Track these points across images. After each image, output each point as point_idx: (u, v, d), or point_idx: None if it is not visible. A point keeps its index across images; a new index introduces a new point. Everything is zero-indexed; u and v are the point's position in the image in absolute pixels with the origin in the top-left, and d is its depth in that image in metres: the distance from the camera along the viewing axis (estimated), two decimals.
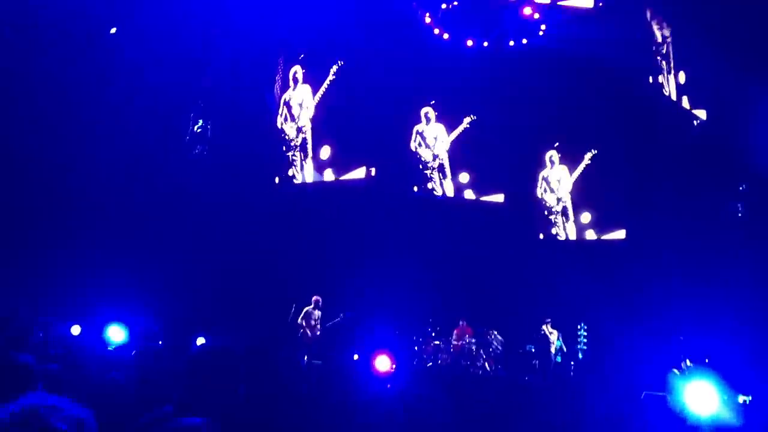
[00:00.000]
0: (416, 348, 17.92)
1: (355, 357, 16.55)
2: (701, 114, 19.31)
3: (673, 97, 19.28)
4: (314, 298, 17.40)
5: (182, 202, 18.55)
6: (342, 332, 17.18)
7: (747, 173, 18.55)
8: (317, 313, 17.32)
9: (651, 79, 18.96)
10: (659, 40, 19.83)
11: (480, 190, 20.71)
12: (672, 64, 19.78)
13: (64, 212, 16.58)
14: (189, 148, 19.87)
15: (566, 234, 20.35)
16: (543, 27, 19.95)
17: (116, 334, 9.13)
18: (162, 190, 18.41)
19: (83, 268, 15.94)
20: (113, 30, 18.44)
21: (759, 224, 18.12)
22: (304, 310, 17.29)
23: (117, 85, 17.63)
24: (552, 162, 20.84)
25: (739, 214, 18.58)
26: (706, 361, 15.72)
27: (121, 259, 16.56)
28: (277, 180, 20.71)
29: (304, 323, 17.17)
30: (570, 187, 20.51)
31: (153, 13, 18.55)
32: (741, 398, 13.49)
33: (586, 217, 20.19)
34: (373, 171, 19.79)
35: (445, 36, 20.46)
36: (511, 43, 20.26)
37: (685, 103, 19.60)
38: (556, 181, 20.68)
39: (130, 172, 17.87)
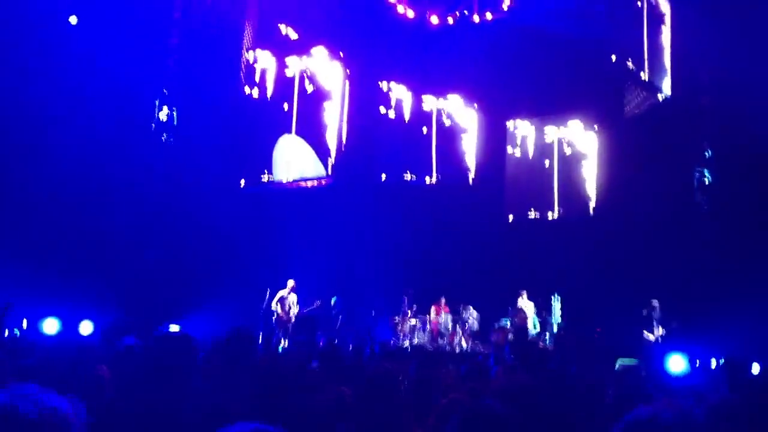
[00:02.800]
0: (394, 328, 17.98)
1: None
2: (666, 87, 19.45)
3: (645, 75, 19.36)
4: (289, 282, 17.36)
5: (149, 190, 18.34)
6: (318, 316, 17.18)
7: (713, 140, 18.76)
8: (292, 297, 17.29)
9: (614, 58, 19.02)
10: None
11: (446, 171, 20.77)
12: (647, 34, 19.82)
13: (23, 204, 16.19)
14: (155, 135, 19.60)
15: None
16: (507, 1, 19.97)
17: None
18: (128, 179, 18.13)
19: (45, 261, 15.68)
20: (73, 19, 18.09)
21: (726, 189, 18.36)
22: (279, 294, 17.23)
23: (78, 73, 17.29)
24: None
25: (706, 180, 18.79)
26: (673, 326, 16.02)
27: (85, 251, 16.33)
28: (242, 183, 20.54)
29: (279, 307, 17.13)
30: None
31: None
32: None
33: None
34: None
35: (410, 13, 20.40)
36: (476, 18, 20.26)
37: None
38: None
39: (94, 161, 17.55)
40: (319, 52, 20.19)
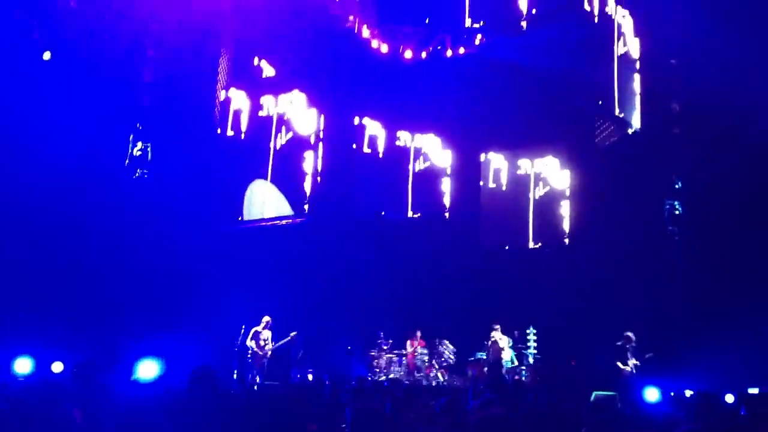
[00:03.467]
0: (370, 362, 17.91)
1: (309, 377, 16.50)
2: (636, 121, 19.80)
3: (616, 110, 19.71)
4: (264, 318, 17.26)
5: (124, 225, 18.18)
6: (293, 351, 17.07)
7: (682, 171, 19.08)
8: (266, 333, 17.16)
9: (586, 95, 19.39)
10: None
11: (421, 207, 20.88)
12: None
13: (7, 248, 16.00)
14: (129, 171, 19.50)
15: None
16: (479, 36, 20.26)
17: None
18: (102, 214, 17.99)
19: (14, 298, 15.50)
20: (47, 54, 18.06)
21: (696, 219, 18.63)
22: (253, 330, 17.11)
23: (51, 107, 17.21)
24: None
25: (676, 211, 19.06)
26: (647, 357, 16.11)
27: (55, 287, 16.14)
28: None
29: (253, 344, 17.00)
30: None
31: (86, 35, 18.26)
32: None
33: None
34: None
35: (384, 48, 20.63)
36: (449, 53, 20.51)
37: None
38: None
39: (66, 197, 17.41)
40: (297, 97, 20.24)
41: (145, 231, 18.10)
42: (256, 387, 15.06)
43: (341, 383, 10.24)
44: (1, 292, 15.27)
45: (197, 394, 5.50)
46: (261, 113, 20.42)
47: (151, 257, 17.80)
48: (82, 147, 17.65)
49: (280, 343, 17.11)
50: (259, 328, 17.12)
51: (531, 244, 20.27)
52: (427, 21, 20.89)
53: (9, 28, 17.06)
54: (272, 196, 20.44)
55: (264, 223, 20.33)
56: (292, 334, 17.19)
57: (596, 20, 19.79)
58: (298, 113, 20.26)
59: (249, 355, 16.89)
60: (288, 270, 18.80)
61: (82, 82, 17.74)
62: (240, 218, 20.54)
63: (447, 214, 20.89)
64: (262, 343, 17.05)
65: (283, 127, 20.30)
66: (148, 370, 7.49)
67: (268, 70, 20.63)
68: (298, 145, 20.11)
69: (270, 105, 20.42)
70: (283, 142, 20.23)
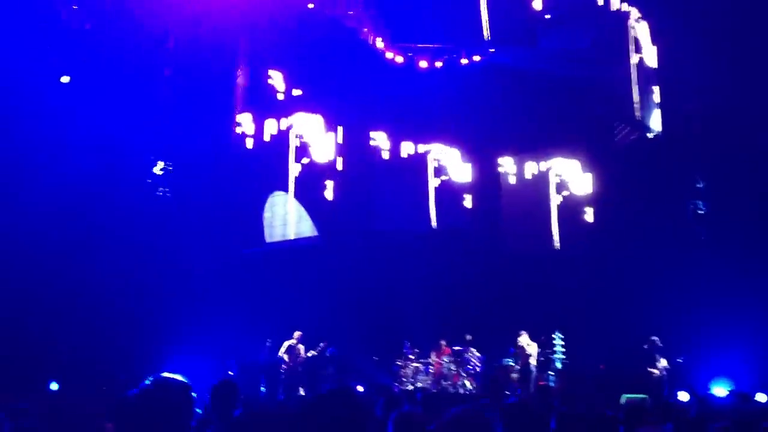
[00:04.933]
0: (396, 372, 17.85)
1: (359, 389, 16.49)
2: (656, 123, 19.71)
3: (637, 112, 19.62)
4: (296, 333, 17.28)
5: (145, 244, 18.29)
6: (324, 363, 17.09)
7: (704, 172, 18.92)
8: (300, 347, 17.19)
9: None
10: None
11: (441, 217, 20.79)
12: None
13: (9, 258, 16.12)
14: (151, 190, 19.65)
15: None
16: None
17: None
18: (124, 234, 18.11)
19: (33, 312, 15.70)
20: (65, 78, 18.28)
21: (719, 219, 18.47)
22: (286, 344, 17.12)
23: (72, 131, 17.40)
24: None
25: (700, 211, 18.90)
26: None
27: (75, 303, 16.30)
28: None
29: (287, 357, 17.00)
30: None
31: (105, 57, 18.46)
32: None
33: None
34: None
35: (399, 59, 20.67)
36: (464, 61, 20.53)
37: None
38: None
39: (90, 220, 17.58)
40: (314, 119, 20.27)
41: (166, 249, 18.21)
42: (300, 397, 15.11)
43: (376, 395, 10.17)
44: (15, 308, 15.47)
45: (220, 410, 5.50)
46: (277, 129, 20.33)
47: (171, 275, 17.90)
48: (104, 166, 17.83)
49: (311, 355, 17.13)
50: (292, 342, 17.14)
51: (556, 246, 20.15)
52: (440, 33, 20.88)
53: (27, 49, 17.28)
54: (293, 214, 20.47)
55: (286, 243, 20.37)
56: (321, 345, 17.23)
57: (612, 26, 19.80)
58: (315, 136, 20.23)
59: (282, 369, 16.90)
60: (311, 285, 18.80)
61: (102, 103, 17.93)
62: (262, 240, 20.54)
63: (468, 223, 20.72)
64: (296, 356, 17.06)
65: (299, 142, 20.26)
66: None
67: (284, 85, 20.61)
68: (316, 166, 20.10)
69: (286, 122, 20.35)
70: (301, 167, 20.18)
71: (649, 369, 15.92)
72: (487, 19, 20.52)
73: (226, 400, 5.52)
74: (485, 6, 20.64)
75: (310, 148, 20.10)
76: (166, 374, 3.57)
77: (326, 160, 20.03)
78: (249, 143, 20.08)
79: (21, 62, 17.06)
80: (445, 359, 17.86)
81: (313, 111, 20.26)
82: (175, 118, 19.81)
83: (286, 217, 20.55)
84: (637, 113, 19.43)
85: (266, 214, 20.87)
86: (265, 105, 20.58)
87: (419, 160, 20.77)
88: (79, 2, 18.45)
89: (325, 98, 20.43)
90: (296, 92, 20.35)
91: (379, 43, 20.69)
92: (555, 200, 20.48)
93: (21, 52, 17.00)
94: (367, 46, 20.64)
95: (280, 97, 20.28)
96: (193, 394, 3.60)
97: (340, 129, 20.07)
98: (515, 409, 4.19)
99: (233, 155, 20.28)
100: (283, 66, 20.58)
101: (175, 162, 19.86)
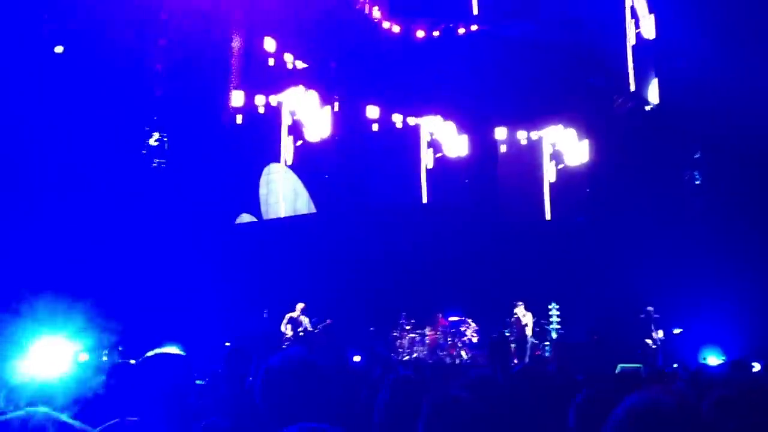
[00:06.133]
0: (393, 343, 17.93)
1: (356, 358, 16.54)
2: (653, 94, 19.64)
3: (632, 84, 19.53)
4: (299, 305, 17.22)
5: (142, 216, 18.27)
6: (328, 334, 17.11)
7: (701, 141, 18.90)
8: (304, 319, 17.14)
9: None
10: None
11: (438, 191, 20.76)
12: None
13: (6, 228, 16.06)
14: (146, 161, 19.60)
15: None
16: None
17: None
18: (120, 205, 18.08)
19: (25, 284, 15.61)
20: (59, 48, 18.13)
21: (715, 189, 18.48)
22: (288, 315, 17.11)
23: (66, 101, 17.29)
24: None
25: (697, 182, 18.91)
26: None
27: (70, 276, 16.26)
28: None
29: (289, 328, 17.00)
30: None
31: (99, 28, 18.27)
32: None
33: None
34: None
35: (396, 29, 20.52)
36: (462, 30, 20.39)
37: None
38: None
39: (85, 188, 17.52)
40: (311, 95, 20.10)
41: (163, 222, 18.19)
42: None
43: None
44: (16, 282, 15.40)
45: (235, 372, 5.54)
46: (271, 103, 20.19)
47: (171, 247, 17.89)
48: (98, 138, 17.74)
49: (318, 327, 17.10)
50: (294, 314, 17.09)
51: (548, 217, 20.19)
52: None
53: (20, 22, 17.11)
54: (290, 190, 20.40)
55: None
56: (328, 321, 17.16)
57: None
58: (309, 111, 20.08)
59: (284, 341, 16.87)
60: (308, 260, 18.78)
61: (96, 73, 17.79)
62: (258, 214, 20.49)
63: (464, 196, 20.72)
64: (300, 328, 17.01)
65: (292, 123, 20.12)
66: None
67: (278, 56, 20.45)
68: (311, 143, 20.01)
69: (279, 97, 20.17)
70: (294, 142, 20.08)
71: (645, 339, 16.04)
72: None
73: (236, 367, 5.55)
74: None
75: (303, 125, 20.00)
76: (163, 349, 3.61)
77: (321, 136, 19.93)
78: (240, 118, 19.95)
79: (13, 31, 16.91)
80: (440, 330, 17.95)
81: (308, 84, 20.11)
82: (169, 89, 19.70)
83: (283, 194, 20.50)
84: (632, 85, 19.36)
85: (262, 191, 20.81)
86: (259, 76, 20.46)
87: (414, 133, 20.71)
88: None
89: (321, 70, 20.33)
90: (290, 64, 20.19)
91: (376, 13, 20.51)
92: (549, 170, 20.47)
93: (13, 23, 16.85)
94: (364, 16, 20.46)
95: (273, 65, 20.12)
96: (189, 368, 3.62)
97: (336, 103, 19.97)
98: (528, 375, 4.20)
99: (227, 128, 20.18)
100: (279, 36, 20.42)
101: (170, 134, 19.76)
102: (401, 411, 3.52)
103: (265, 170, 20.89)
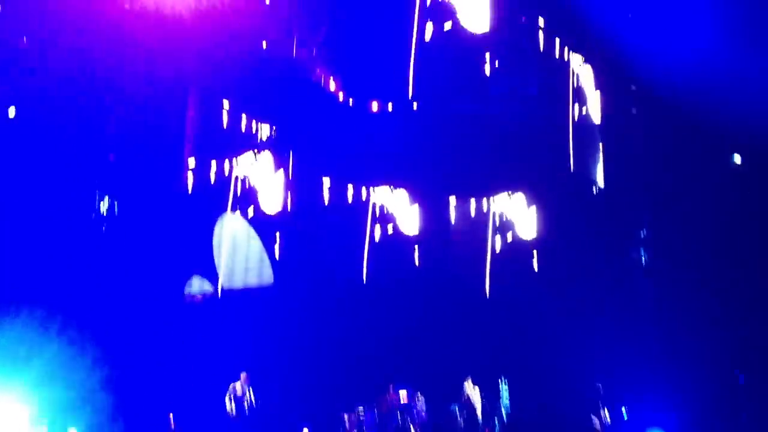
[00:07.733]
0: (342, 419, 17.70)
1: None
2: (599, 180, 20.12)
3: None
4: (242, 374, 16.98)
5: (88, 283, 17.84)
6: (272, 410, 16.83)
7: (647, 221, 19.38)
8: (246, 389, 16.86)
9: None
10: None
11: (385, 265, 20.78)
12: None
13: None
14: (95, 226, 19.19)
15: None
16: None
17: None
18: (66, 272, 17.66)
19: None
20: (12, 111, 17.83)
21: (662, 268, 18.91)
22: (231, 385, 16.84)
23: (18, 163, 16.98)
24: None
25: (643, 261, 19.33)
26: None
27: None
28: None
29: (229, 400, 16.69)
30: None
31: (53, 92, 18.06)
32: None
33: None
34: None
35: (350, 101, 20.74)
36: (415, 105, 20.70)
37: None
38: None
39: (32, 251, 17.11)
40: (265, 158, 20.15)
41: (113, 291, 17.80)
42: None
43: None
44: None
45: None
46: (227, 169, 20.05)
47: (119, 319, 17.48)
48: (47, 202, 17.39)
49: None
50: (237, 384, 16.81)
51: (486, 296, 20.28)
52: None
53: None
54: (255, 257, 20.13)
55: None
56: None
57: (557, 72, 20.17)
58: (264, 177, 20.09)
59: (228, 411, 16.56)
60: (257, 333, 18.46)
61: (45, 136, 17.51)
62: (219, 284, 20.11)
63: (415, 269, 20.70)
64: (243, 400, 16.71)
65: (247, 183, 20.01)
66: None
67: (236, 123, 20.39)
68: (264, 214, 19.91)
69: (237, 165, 20.09)
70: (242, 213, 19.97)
71: (592, 415, 16.21)
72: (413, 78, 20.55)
73: None
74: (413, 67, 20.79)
75: (258, 194, 19.93)
76: None
77: (274, 207, 19.87)
78: (191, 185, 19.76)
79: None
80: (391, 404, 17.79)
81: (262, 149, 20.10)
82: (123, 153, 19.43)
83: (247, 263, 20.20)
84: (572, 167, 19.75)
85: (224, 260, 20.44)
86: (214, 142, 20.31)
87: (364, 206, 20.74)
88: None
89: (277, 136, 20.31)
90: (245, 128, 20.18)
91: (332, 85, 20.71)
92: (493, 245, 20.65)
93: None
94: (320, 86, 20.63)
95: (228, 130, 20.03)
96: None
97: (287, 171, 19.97)
98: None
99: (179, 194, 19.95)
100: (235, 101, 20.38)
101: (121, 200, 19.44)
102: None
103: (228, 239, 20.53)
